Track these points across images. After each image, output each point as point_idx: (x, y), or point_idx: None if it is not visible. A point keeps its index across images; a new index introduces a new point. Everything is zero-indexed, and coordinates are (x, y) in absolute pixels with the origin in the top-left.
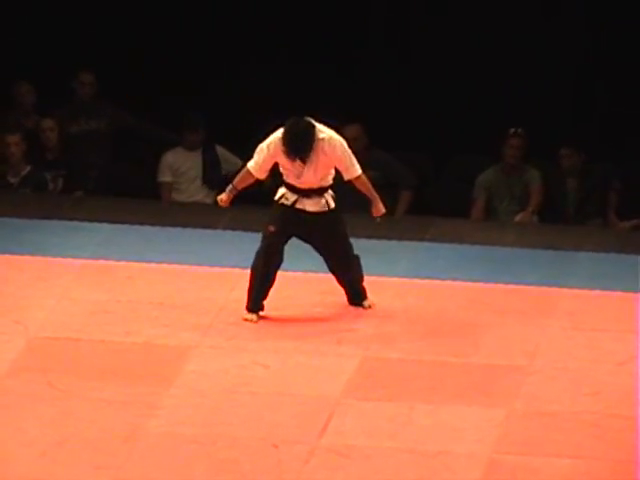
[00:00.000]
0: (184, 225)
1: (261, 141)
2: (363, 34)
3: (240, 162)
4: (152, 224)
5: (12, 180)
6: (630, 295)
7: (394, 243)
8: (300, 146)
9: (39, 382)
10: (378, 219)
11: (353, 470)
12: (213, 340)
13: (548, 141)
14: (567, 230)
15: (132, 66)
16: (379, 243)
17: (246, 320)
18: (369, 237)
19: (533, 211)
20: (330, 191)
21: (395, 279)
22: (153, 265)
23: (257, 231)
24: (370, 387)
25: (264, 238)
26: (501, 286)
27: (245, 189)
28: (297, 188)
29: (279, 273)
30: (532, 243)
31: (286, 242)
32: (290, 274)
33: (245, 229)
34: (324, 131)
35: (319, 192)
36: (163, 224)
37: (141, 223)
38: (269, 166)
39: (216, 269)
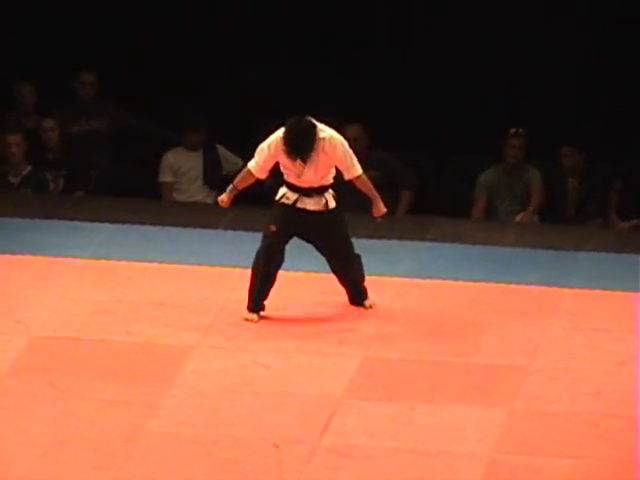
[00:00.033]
0: (185, 225)
1: (261, 141)
2: (364, 34)
3: (241, 162)
4: (153, 224)
5: (13, 180)
6: (630, 295)
7: (395, 243)
8: (301, 146)
9: (40, 382)
10: (379, 219)
11: (354, 470)
12: (214, 340)
13: (551, 141)
14: (568, 230)
15: (132, 66)
16: (380, 243)
17: (247, 320)
18: (370, 237)
19: (534, 211)
20: (331, 190)
21: (396, 279)
22: (154, 265)
23: (258, 231)
24: (371, 387)
25: (265, 238)
26: (502, 286)
27: (245, 189)
28: (298, 187)
29: (280, 273)
30: (533, 243)
31: (287, 242)
32: (291, 274)
33: (246, 229)
34: (325, 130)
35: (320, 191)
36: (164, 224)
37: (142, 223)
38: (270, 166)
39: (217, 269)
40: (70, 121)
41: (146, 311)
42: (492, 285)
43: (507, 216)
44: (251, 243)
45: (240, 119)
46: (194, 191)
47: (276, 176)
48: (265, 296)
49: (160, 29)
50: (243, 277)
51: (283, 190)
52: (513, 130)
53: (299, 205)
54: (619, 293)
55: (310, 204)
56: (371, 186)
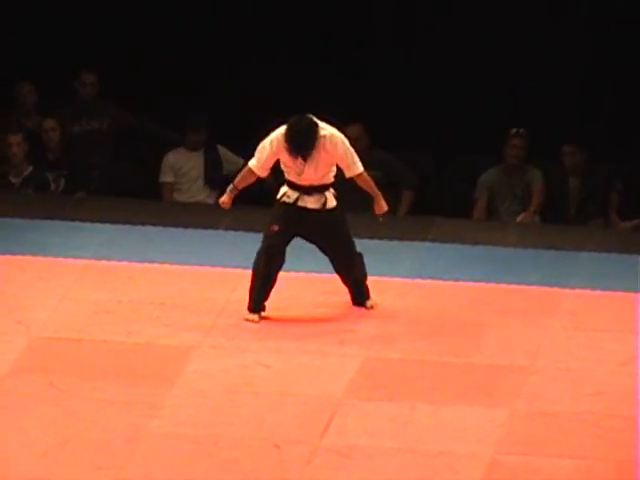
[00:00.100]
0: (186, 225)
1: (262, 140)
2: (365, 34)
3: (242, 162)
4: (154, 224)
5: (14, 180)
6: (631, 295)
7: (396, 243)
8: (302, 144)
9: (41, 382)
10: (380, 218)
11: (355, 470)
12: (215, 340)
13: (554, 141)
14: (569, 230)
15: (132, 66)
16: (381, 243)
17: (247, 320)
18: (371, 237)
19: (535, 211)
20: (332, 189)
21: (397, 279)
22: (155, 265)
23: (259, 231)
24: (372, 387)
25: (266, 238)
26: (503, 286)
27: (246, 188)
28: (298, 186)
29: (281, 273)
30: (534, 243)
31: (288, 242)
32: (292, 274)
33: (247, 229)
34: (325, 128)
35: (320, 190)
36: (165, 224)
37: (143, 223)
38: (271, 164)
39: (218, 269)
40: (71, 121)
41: (147, 311)
42: (493, 285)
43: (508, 216)
44: (252, 244)
45: (240, 119)
46: (195, 191)
47: (277, 176)
48: (266, 297)
49: (160, 29)
50: (244, 278)
51: (284, 189)
52: (514, 130)
53: (300, 204)
54: (620, 293)
55: (311, 202)
56: (372, 184)
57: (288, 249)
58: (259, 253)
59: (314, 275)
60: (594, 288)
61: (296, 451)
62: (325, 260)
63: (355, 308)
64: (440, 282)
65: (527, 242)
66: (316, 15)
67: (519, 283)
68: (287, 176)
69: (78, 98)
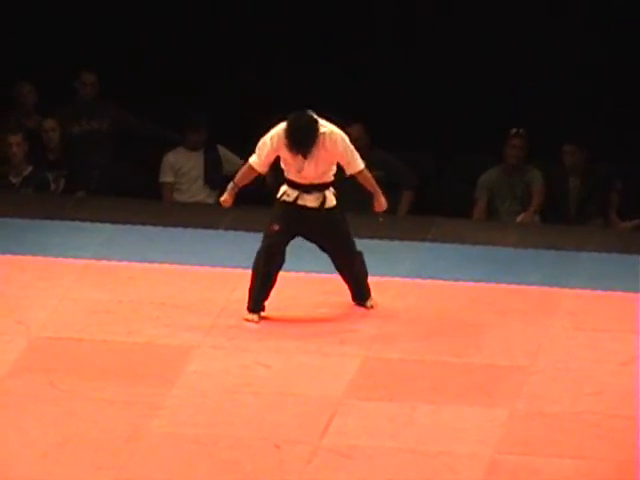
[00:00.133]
0: (186, 225)
1: (261, 139)
2: (365, 34)
3: (242, 162)
4: (154, 224)
5: (14, 180)
6: (631, 295)
7: (396, 243)
8: (302, 140)
9: (41, 382)
10: (380, 218)
11: (355, 470)
12: (215, 340)
13: (553, 141)
14: (569, 230)
15: (132, 66)
16: (381, 243)
17: (247, 320)
18: (371, 237)
19: (535, 211)
20: (332, 188)
21: (397, 279)
22: (155, 265)
23: (259, 231)
24: (372, 387)
25: (266, 237)
26: (503, 286)
27: (246, 186)
28: (298, 184)
29: (281, 273)
30: (534, 243)
31: (288, 242)
32: (292, 274)
33: (247, 229)
34: (325, 125)
35: (320, 188)
36: (165, 224)
37: (143, 223)
38: (271, 160)
39: (218, 269)
40: (71, 121)
41: (147, 311)
42: (493, 285)
43: (508, 216)
44: (252, 243)
45: (240, 119)
46: (195, 191)
47: (277, 175)
48: (265, 296)
49: (160, 29)
50: (244, 277)
51: (284, 188)
52: (514, 130)
53: (299, 202)
54: (620, 293)
55: (310, 201)
56: (373, 181)
57: (288, 249)
58: (259, 253)
59: (314, 275)
60: (594, 288)
61: (296, 451)
62: (325, 260)
63: (355, 308)
64: (440, 282)
65: (527, 242)
66: (316, 15)
67: (519, 283)
68: (287, 175)
69: (78, 98)
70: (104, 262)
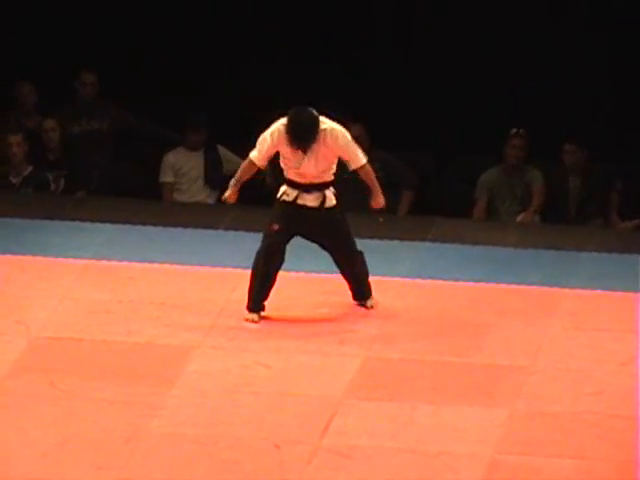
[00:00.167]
0: (186, 225)
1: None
2: (365, 34)
3: (242, 162)
4: (154, 224)
5: (14, 180)
6: (631, 295)
7: (396, 243)
8: (303, 135)
9: (41, 382)
10: (381, 218)
11: (355, 470)
12: (215, 340)
13: (553, 141)
14: (569, 230)
15: (132, 66)
16: (381, 243)
17: (247, 320)
18: (371, 237)
19: (535, 211)
20: (332, 188)
21: (397, 279)
22: (155, 265)
23: (259, 231)
24: (372, 387)
25: (265, 237)
26: (503, 286)
27: (248, 181)
28: (298, 183)
29: (281, 273)
30: (534, 243)
31: (288, 242)
32: (292, 274)
33: (247, 229)
34: (326, 122)
35: (320, 188)
36: (165, 224)
37: (143, 223)
38: (271, 154)
39: (218, 269)
40: (71, 121)
41: (147, 311)
42: (493, 285)
43: (508, 216)
44: (252, 243)
45: (240, 119)
46: (195, 191)
47: (277, 176)
48: (265, 296)
49: (160, 29)
50: (244, 278)
51: (283, 188)
52: (514, 130)
53: (299, 202)
54: (620, 293)
55: (310, 200)
56: (374, 178)
57: (288, 248)
58: (258, 252)
59: (314, 275)
60: (594, 288)
61: (296, 451)
62: (325, 260)
63: (355, 308)
64: (440, 282)
65: (527, 242)
66: (316, 15)
67: (519, 283)
68: (286, 174)
69: (78, 98)
70: (104, 262)
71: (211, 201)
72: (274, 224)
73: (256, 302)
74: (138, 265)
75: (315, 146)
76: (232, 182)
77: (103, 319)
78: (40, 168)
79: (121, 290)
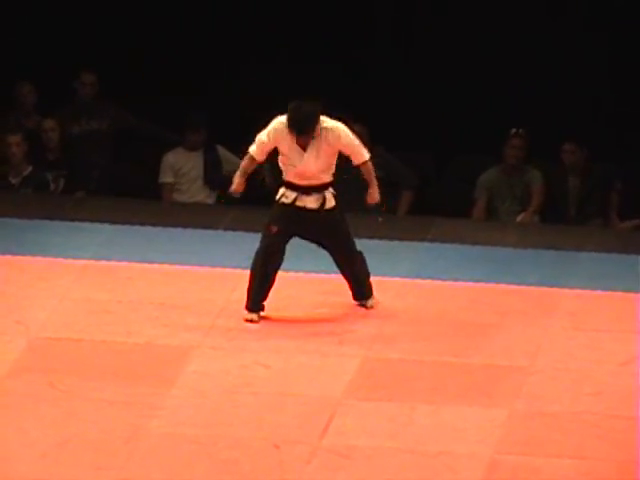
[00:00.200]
0: (185, 226)
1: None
2: (365, 34)
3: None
4: (153, 224)
5: (13, 180)
6: (631, 295)
7: (395, 243)
8: (304, 121)
9: (40, 382)
10: (380, 218)
11: (354, 470)
12: (214, 340)
13: (553, 141)
14: (568, 230)
15: (132, 66)
16: (380, 243)
17: (247, 320)
18: (370, 237)
19: (534, 211)
20: (331, 189)
21: (396, 279)
22: (154, 266)
23: (259, 232)
24: (371, 387)
25: (264, 238)
26: (502, 286)
27: (250, 176)
28: (297, 185)
29: (280, 273)
30: (533, 243)
31: (287, 242)
32: (292, 274)
33: (247, 230)
34: (327, 121)
35: (319, 189)
36: (164, 224)
37: (142, 223)
38: (270, 149)
39: (217, 270)
40: (70, 121)
41: (146, 311)
42: (492, 286)
43: (507, 216)
44: (252, 244)
45: (240, 119)
46: (194, 191)
47: (277, 176)
48: (264, 296)
49: (160, 29)
50: (243, 278)
51: (282, 190)
52: (513, 130)
53: (298, 203)
54: (620, 294)
55: (309, 202)
56: (373, 175)
57: (288, 248)
58: (257, 253)
59: (313, 275)
60: (594, 288)
61: (295, 451)
62: (324, 260)
63: (355, 308)
64: (439, 282)
65: (527, 242)
66: (316, 15)
67: (518, 283)
68: (285, 176)
69: (78, 98)
70: (104, 262)
71: (210, 201)
72: (272, 226)
73: (255, 302)
74: (138, 265)
75: (316, 142)
76: (236, 175)
77: (103, 319)
78: (40, 168)
79: (121, 290)
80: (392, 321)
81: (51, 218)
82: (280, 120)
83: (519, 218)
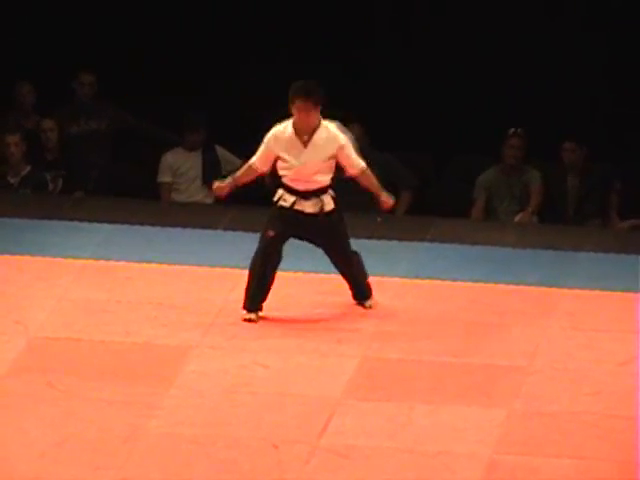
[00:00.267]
0: (184, 225)
1: (261, 141)
2: (365, 34)
3: (240, 162)
4: (152, 224)
5: (12, 180)
6: (630, 295)
7: (394, 243)
8: (311, 87)
9: (39, 382)
10: (379, 218)
11: (353, 470)
12: (213, 340)
13: (552, 141)
14: (567, 230)
15: (132, 66)
16: (379, 243)
17: (245, 320)
18: (369, 237)
19: (533, 211)
20: (330, 191)
21: (395, 279)
22: (153, 265)
23: (257, 232)
24: (370, 387)
25: (262, 239)
26: (501, 286)
27: (245, 184)
28: (295, 190)
29: (279, 273)
30: (532, 243)
31: (285, 242)
32: (290, 274)
33: (245, 229)
34: (329, 125)
35: (317, 194)
36: (163, 224)
37: (141, 223)
38: (271, 159)
39: (216, 269)
40: (69, 121)
41: (145, 311)
42: (491, 285)
43: (506, 216)
44: (251, 244)
45: (240, 119)
46: (193, 191)
47: (276, 176)
48: (262, 296)
49: (160, 29)
50: (242, 278)
51: (280, 192)
52: (512, 130)
53: (297, 207)
54: (619, 293)
55: (308, 207)
56: (375, 181)
57: (287, 248)
58: (256, 253)
59: (312, 275)
60: (592, 288)
61: (294, 451)
62: (323, 260)
63: (353, 308)
64: (438, 282)
65: (525, 242)
66: (316, 15)
67: (517, 283)
68: (284, 180)
69: (76, 98)
70: (102, 262)
71: (209, 201)
72: (270, 230)
73: (254, 302)
74: (136, 265)
75: (316, 138)
76: (229, 179)
77: (101, 319)
78: (38, 168)
79: (119, 290)
80: (391, 321)
81: (50, 218)
82: (277, 128)
83: (517, 218)
